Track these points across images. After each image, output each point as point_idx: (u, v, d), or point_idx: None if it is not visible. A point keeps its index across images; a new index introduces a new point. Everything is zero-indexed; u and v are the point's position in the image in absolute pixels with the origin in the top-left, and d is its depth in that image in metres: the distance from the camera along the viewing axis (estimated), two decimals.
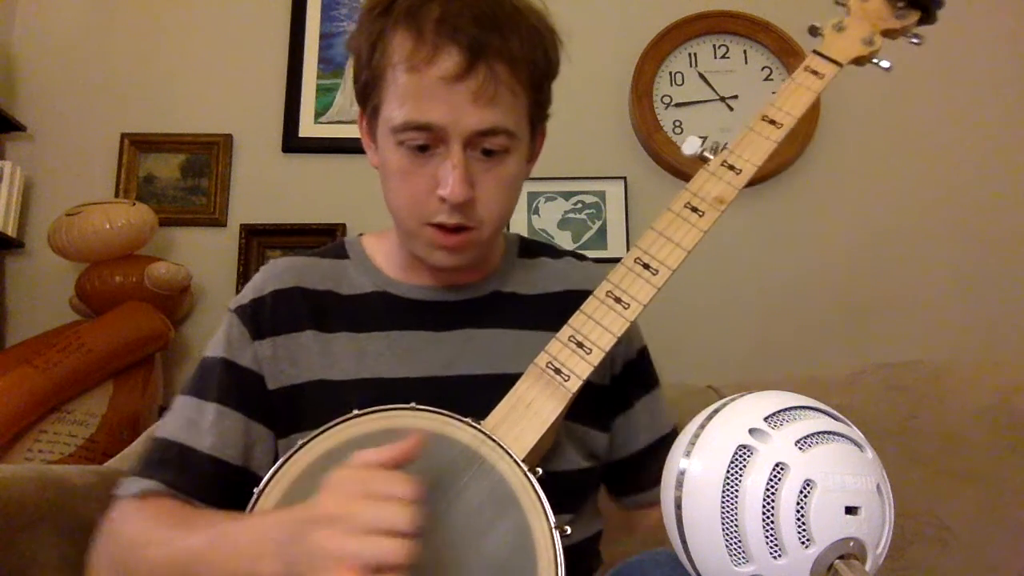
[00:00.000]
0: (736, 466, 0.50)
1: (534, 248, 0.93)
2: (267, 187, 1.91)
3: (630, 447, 0.90)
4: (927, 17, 0.84)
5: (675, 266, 0.72)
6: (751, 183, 0.77)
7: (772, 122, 0.78)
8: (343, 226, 1.87)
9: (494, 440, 0.65)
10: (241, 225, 1.87)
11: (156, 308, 1.66)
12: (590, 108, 1.93)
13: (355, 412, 0.67)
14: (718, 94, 1.96)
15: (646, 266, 0.73)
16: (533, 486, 0.63)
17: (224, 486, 0.75)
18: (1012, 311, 1.84)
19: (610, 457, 0.89)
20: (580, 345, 0.70)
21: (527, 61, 0.74)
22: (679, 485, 0.52)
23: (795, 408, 0.52)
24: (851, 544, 0.48)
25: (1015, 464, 1.25)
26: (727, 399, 0.55)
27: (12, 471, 0.99)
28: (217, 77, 1.96)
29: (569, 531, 0.62)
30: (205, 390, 0.79)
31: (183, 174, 1.92)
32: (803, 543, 0.47)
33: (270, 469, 0.66)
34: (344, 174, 1.90)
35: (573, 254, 0.95)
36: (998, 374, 1.37)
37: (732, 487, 0.49)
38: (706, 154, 0.78)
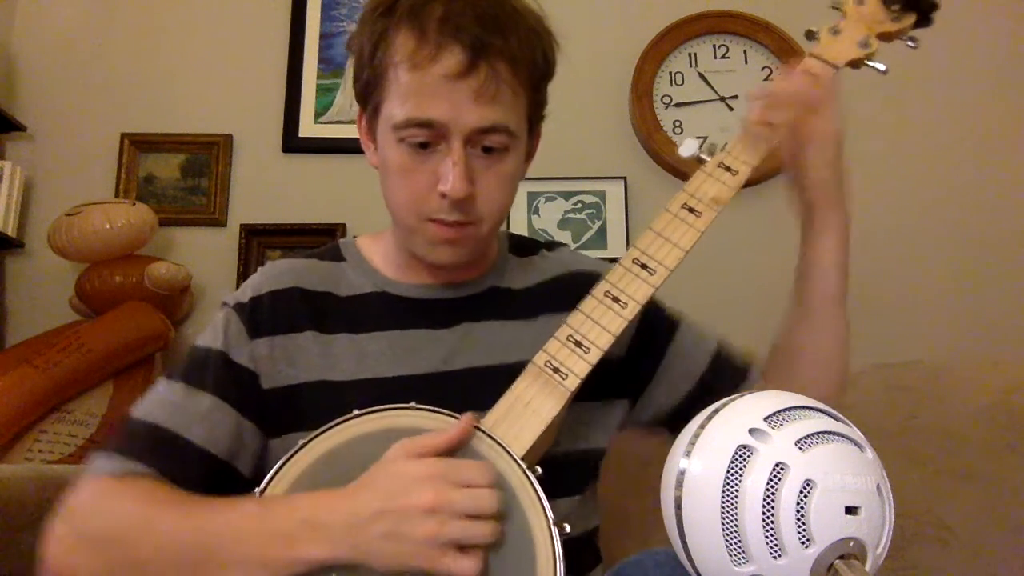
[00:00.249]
0: (736, 466, 0.50)
1: (525, 244, 0.94)
2: (267, 187, 1.91)
3: (680, 390, 0.89)
4: (923, 20, 0.84)
5: (673, 266, 0.73)
6: (749, 183, 0.77)
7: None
8: (343, 226, 1.87)
9: (493, 438, 0.66)
10: (241, 225, 1.87)
11: (156, 308, 1.66)
12: (590, 108, 1.93)
13: (355, 412, 0.67)
14: (718, 94, 1.96)
15: (644, 266, 0.73)
16: (532, 484, 0.63)
17: (210, 479, 0.75)
18: (1012, 311, 1.83)
19: (665, 406, 0.89)
20: (578, 344, 0.70)
21: (527, 61, 0.75)
22: (679, 485, 0.52)
23: (795, 408, 0.53)
24: (851, 544, 0.48)
25: (1015, 464, 1.25)
26: (727, 399, 0.56)
27: (12, 471, 0.99)
28: (217, 77, 1.96)
29: (568, 529, 0.63)
30: (199, 379, 0.78)
31: (183, 174, 1.92)
32: (803, 543, 0.47)
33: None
34: (344, 174, 1.90)
35: (561, 244, 0.96)
36: (998, 374, 1.37)
37: (732, 487, 0.49)
38: (703, 156, 0.78)
